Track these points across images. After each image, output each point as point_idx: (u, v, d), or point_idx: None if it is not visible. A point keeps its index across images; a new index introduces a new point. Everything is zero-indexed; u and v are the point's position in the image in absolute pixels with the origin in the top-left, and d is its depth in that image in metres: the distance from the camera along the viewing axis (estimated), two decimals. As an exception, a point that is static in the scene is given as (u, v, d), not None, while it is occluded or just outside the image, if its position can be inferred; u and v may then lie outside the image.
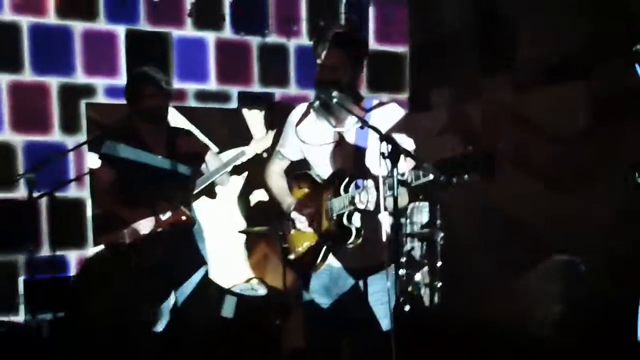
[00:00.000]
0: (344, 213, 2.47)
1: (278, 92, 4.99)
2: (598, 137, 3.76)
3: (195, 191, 3.32)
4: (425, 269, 4.36)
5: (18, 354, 3.56)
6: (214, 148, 3.77)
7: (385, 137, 2.12)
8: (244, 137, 4.69)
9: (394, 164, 2.05)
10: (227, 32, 4.81)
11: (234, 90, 4.87)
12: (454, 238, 4.41)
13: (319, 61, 2.52)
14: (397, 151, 2.06)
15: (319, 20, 4.78)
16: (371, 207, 2.34)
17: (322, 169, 2.66)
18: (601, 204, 3.69)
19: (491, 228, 4.47)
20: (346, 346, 2.73)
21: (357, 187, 2.43)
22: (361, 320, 2.58)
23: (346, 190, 2.46)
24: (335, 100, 2.41)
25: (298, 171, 2.79)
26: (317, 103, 2.47)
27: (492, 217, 4.47)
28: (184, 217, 3.26)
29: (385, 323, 2.55)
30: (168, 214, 3.19)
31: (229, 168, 3.47)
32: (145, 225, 3.20)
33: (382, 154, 2.08)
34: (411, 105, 5.40)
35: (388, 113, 2.62)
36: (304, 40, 4.99)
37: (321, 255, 2.59)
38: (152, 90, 3.20)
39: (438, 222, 4.27)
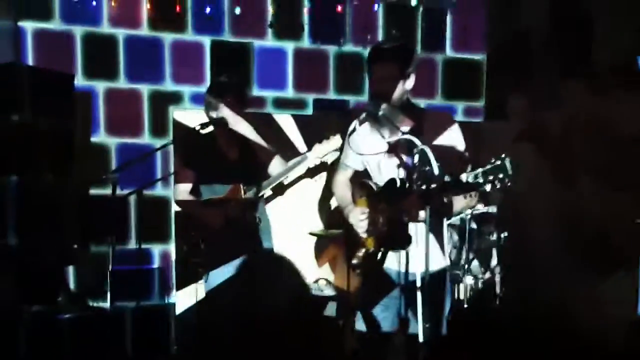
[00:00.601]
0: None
1: (353, 99, 5.14)
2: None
3: (260, 194, 3.50)
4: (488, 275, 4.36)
5: (102, 337, 3.85)
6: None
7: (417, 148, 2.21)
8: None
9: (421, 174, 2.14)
10: (305, 42, 5.03)
11: (310, 97, 5.07)
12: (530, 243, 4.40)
13: (369, 75, 2.64)
14: (424, 161, 2.14)
15: (394, 30, 4.88)
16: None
17: (379, 177, 2.79)
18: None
19: (569, 233, 4.39)
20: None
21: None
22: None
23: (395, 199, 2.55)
24: (381, 113, 2.51)
25: (360, 180, 2.93)
26: (363, 115, 2.59)
27: (572, 223, 4.38)
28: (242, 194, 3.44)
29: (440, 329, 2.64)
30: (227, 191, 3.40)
31: (291, 172, 3.63)
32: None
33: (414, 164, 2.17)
34: (487, 113, 5.38)
35: (439, 123, 2.69)
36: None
37: (378, 260, 2.72)
38: (229, 99, 3.43)
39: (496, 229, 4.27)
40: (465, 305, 4.23)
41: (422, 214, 2.41)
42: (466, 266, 4.34)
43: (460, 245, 4.42)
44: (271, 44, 4.96)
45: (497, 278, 4.35)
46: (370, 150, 2.75)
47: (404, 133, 2.42)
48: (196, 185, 3.52)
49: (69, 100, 3.90)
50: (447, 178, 2.17)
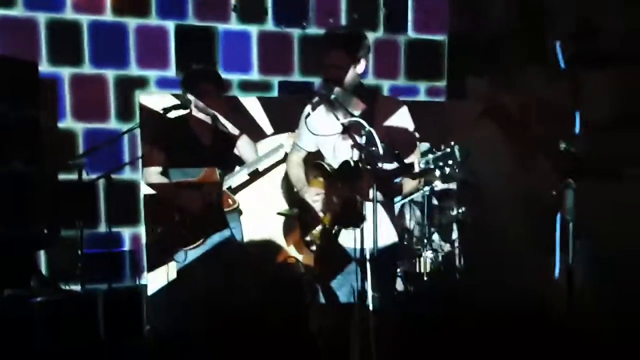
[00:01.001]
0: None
1: (318, 82, 5.21)
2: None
3: (232, 180, 3.63)
4: (448, 248, 4.54)
5: (74, 319, 3.93)
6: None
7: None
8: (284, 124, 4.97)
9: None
10: (270, 25, 5.10)
11: (276, 80, 5.16)
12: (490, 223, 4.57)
13: (322, 60, 2.75)
14: (371, 141, 2.27)
15: (354, 14, 4.97)
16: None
17: (333, 159, 2.90)
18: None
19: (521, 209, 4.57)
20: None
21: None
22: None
23: (350, 178, 2.68)
24: (334, 96, 2.63)
25: (313, 161, 3.05)
26: (316, 99, 2.71)
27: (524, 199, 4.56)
28: (230, 201, 3.62)
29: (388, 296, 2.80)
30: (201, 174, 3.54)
31: (265, 160, 3.76)
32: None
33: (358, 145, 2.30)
34: (449, 93, 5.52)
35: (389, 106, 2.82)
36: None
37: (332, 237, 2.86)
38: (210, 86, 3.55)
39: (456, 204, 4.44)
40: (425, 278, 4.42)
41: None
42: (427, 240, 4.52)
43: (422, 220, 4.60)
44: (235, 27, 5.02)
45: (457, 251, 4.55)
46: (325, 132, 2.86)
47: (353, 116, 2.55)
48: (165, 168, 3.63)
49: (34, 88, 3.93)
50: (394, 164, 2.29)
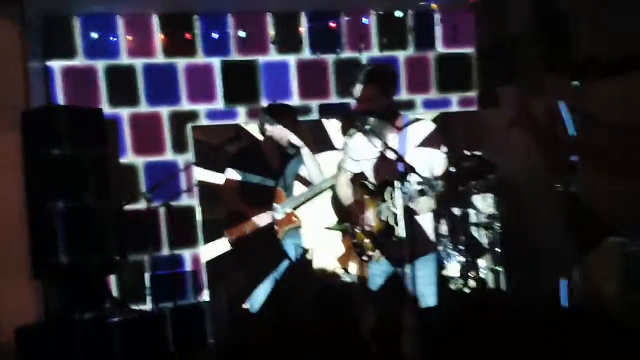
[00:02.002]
0: (388, 215, 3.01)
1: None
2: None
3: (293, 207, 4.03)
4: (489, 255, 4.76)
5: (146, 336, 4.31)
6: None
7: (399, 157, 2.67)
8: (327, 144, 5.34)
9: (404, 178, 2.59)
10: (306, 54, 5.47)
11: (315, 103, 5.52)
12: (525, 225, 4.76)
13: (355, 96, 3.09)
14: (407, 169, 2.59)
15: (361, 45, 5.33)
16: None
17: (375, 179, 3.23)
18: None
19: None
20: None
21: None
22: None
23: (391, 196, 2.98)
24: (368, 127, 2.95)
25: (359, 181, 3.39)
26: (352, 131, 3.05)
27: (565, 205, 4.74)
28: (294, 219, 4.01)
29: (432, 301, 3.10)
30: (283, 216, 3.95)
31: (318, 194, 4.15)
32: (263, 219, 3.97)
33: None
34: (481, 103, 5.77)
35: (420, 129, 3.13)
36: (375, 52, 5.54)
37: (378, 250, 3.18)
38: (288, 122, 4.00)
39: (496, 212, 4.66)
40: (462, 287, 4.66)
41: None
42: (460, 247, 4.76)
43: (456, 228, 4.84)
44: (275, 59, 5.42)
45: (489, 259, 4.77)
46: (364, 157, 3.22)
47: (387, 146, 2.86)
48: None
49: (100, 131, 4.39)
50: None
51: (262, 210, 3.97)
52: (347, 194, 3.43)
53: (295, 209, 4.03)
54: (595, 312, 4.06)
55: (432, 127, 3.16)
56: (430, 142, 3.10)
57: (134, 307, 4.81)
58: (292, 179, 4.17)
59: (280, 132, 3.99)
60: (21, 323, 4.15)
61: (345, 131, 5.34)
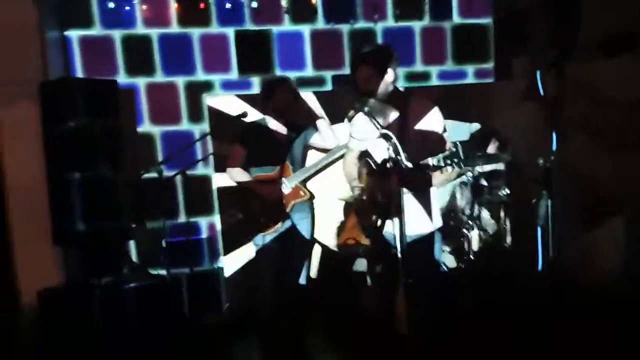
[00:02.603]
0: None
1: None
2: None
3: (301, 179, 4.10)
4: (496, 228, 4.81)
5: (161, 301, 4.47)
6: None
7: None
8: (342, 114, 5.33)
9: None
10: (320, 24, 5.46)
11: (329, 74, 5.52)
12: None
13: (354, 76, 3.12)
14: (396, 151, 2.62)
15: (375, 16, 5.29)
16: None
17: (377, 157, 3.27)
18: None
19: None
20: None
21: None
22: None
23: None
24: (367, 109, 2.98)
25: (364, 159, 3.43)
26: (352, 112, 3.08)
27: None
28: (302, 193, 4.10)
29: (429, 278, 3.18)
30: (289, 190, 4.04)
31: (327, 166, 4.21)
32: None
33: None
34: (496, 74, 5.72)
35: (421, 111, 3.15)
36: (389, 22, 5.51)
37: (380, 222, 3.25)
38: (285, 91, 4.06)
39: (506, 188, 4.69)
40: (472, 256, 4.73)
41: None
42: (476, 219, 4.81)
43: (471, 200, 4.88)
44: (289, 28, 5.42)
45: (506, 230, 4.81)
46: (365, 137, 3.26)
47: (382, 127, 2.89)
48: (246, 166, 4.16)
49: (115, 102, 4.47)
50: (406, 163, 2.63)
51: (269, 187, 4.04)
52: (351, 172, 3.48)
53: (303, 182, 4.10)
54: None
55: (432, 106, 3.17)
56: (430, 122, 3.12)
57: (152, 272, 5.01)
58: (299, 151, 4.24)
59: (281, 106, 4.04)
60: (43, 286, 4.34)
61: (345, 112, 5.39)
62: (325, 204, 5.08)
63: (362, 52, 3.14)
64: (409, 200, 3.02)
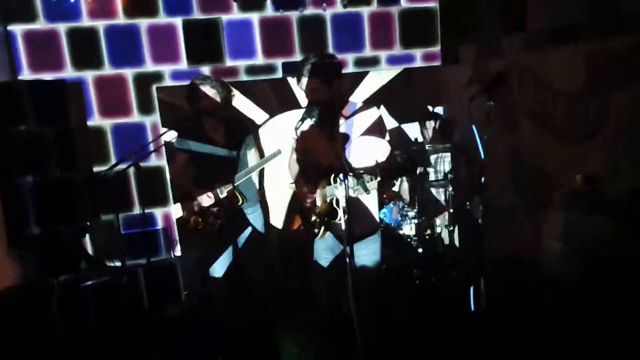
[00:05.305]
0: (332, 197, 3.19)
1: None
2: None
3: (237, 183, 4.05)
4: (445, 213, 5.01)
5: (120, 294, 4.54)
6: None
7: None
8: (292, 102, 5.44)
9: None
10: (269, 11, 5.46)
11: (279, 61, 5.57)
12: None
13: (301, 88, 3.20)
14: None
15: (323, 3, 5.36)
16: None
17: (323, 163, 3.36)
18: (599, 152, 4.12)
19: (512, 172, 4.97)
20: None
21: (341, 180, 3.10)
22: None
23: (335, 181, 3.15)
24: (314, 119, 3.07)
25: (308, 164, 3.51)
26: (300, 122, 3.16)
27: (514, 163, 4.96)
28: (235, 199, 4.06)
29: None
30: (224, 194, 4.00)
31: (265, 165, 4.19)
32: (205, 200, 4.06)
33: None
34: (442, 58, 5.85)
35: (366, 116, 3.25)
36: (338, 8, 5.55)
37: (322, 228, 3.36)
38: (207, 93, 3.95)
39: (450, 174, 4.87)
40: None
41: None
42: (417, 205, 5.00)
43: (415, 187, 5.06)
44: (238, 17, 5.41)
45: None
46: (312, 141, 3.34)
47: (330, 138, 2.99)
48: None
49: (64, 103, 4.44)
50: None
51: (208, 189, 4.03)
52: (294, 174, 3.59)
53: (236, 186, 4.01)
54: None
55: (377, 114, 3.27)
56: (373, 130, 3.23)
57: (110, 265, 5.05)
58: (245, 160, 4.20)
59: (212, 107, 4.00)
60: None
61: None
62: (282, 190, 5.21)
63: (310, 63, 3.20)
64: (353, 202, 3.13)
